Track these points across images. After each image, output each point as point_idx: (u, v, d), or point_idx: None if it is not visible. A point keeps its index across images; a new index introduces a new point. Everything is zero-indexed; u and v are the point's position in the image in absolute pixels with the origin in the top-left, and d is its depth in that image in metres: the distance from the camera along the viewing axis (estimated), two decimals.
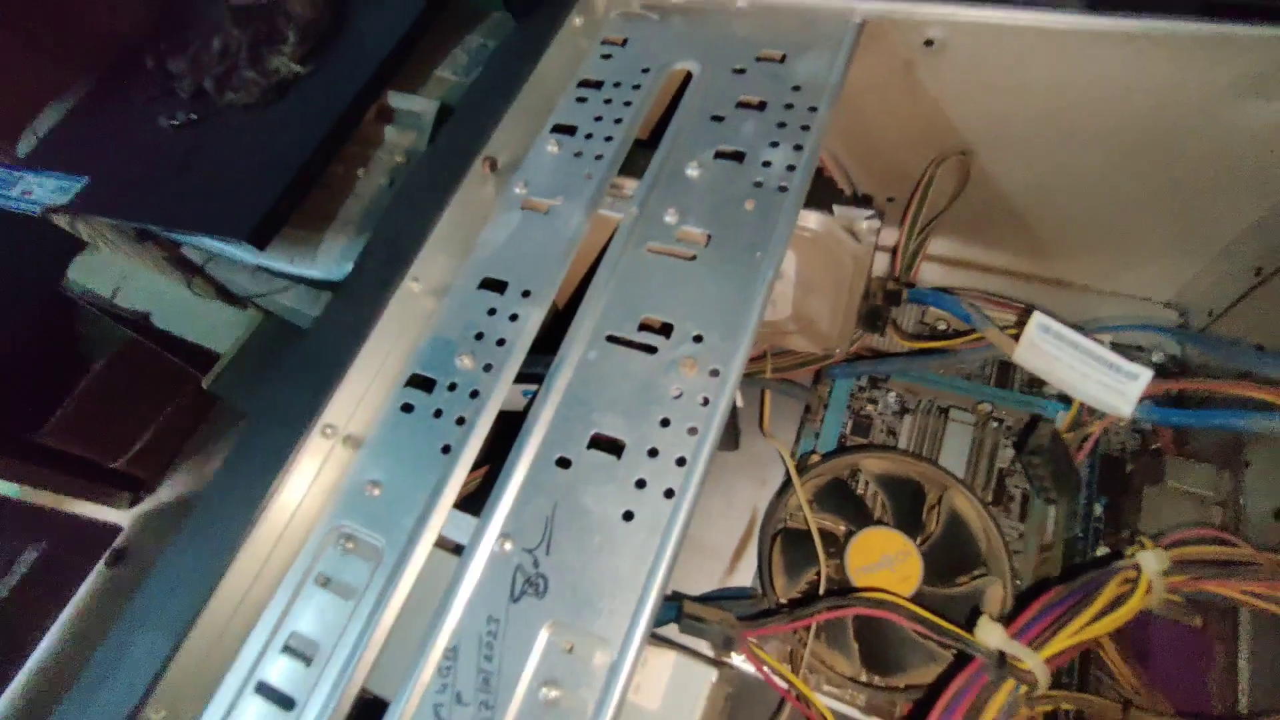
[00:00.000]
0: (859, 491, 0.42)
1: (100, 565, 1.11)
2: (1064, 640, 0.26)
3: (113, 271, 0.85)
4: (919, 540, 0.39)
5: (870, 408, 0.48)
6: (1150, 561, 0.28)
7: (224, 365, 0.81)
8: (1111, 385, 0.33)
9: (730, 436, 0.39)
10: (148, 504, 1.18)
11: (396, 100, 0.59)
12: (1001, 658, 0.26)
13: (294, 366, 0.32)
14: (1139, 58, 0.34)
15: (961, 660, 0.27)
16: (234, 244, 0.55)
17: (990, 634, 0.27)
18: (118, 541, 1.13)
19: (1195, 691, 0.35)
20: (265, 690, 0.26)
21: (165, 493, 1.20)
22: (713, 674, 0.26)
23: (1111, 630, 0.28)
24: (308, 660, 0.26)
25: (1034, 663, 0.26)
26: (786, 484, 0.41)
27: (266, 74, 0.61)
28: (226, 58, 0.62)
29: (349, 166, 0.59)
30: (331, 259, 0.56)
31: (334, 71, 0.60)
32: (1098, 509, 0.42)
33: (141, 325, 0.87)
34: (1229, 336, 0.41)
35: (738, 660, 0.37)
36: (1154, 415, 0.33)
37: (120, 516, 1.16)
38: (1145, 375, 0.32)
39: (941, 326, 0.49)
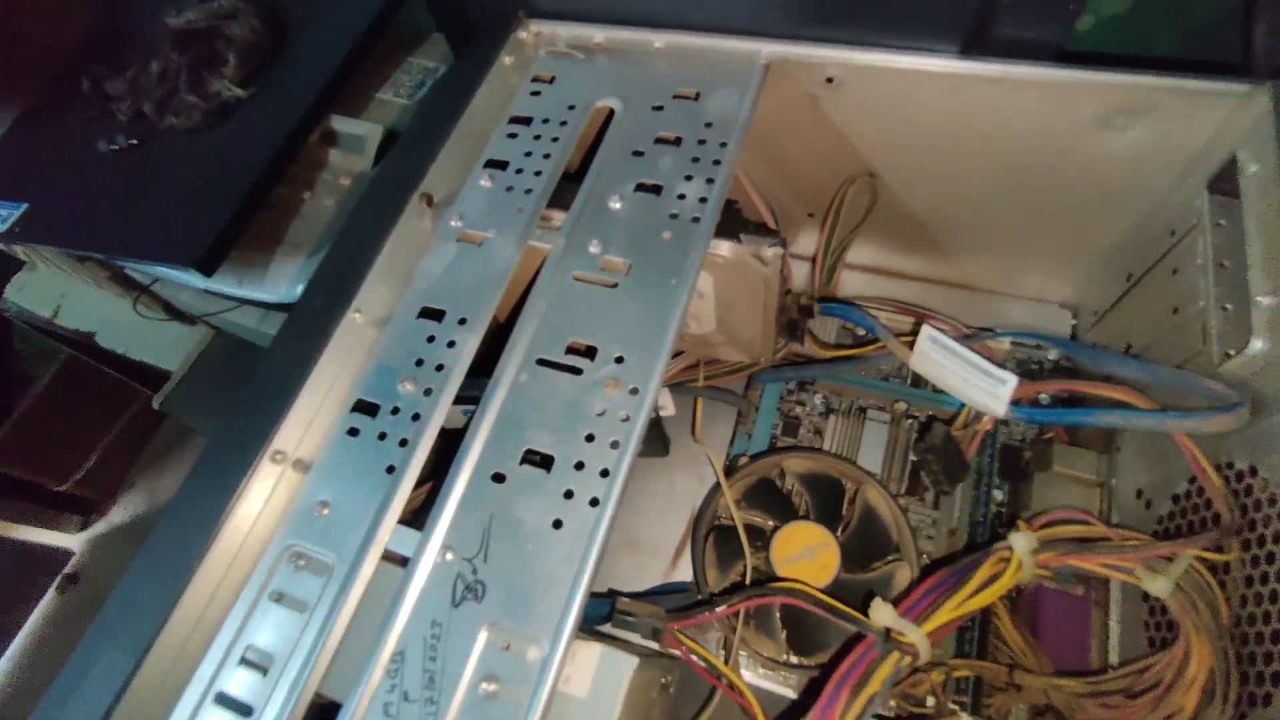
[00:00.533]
0: (784, 489, 0.46)
1: (52, 591, 1.09)
2: (944, 615, 0.30)
3: (52, 290, 0.84)
4: (838, 531, 0.42)
5: (799, 409, 0.52)
6: (1020, 542, 0.33)
7: (175, 384, 0.81)
8: (987, 389, 0.37)
9: (659, 444, 0.43)
10: (99, 526, 1.16)
11: (340, 124, 0.60)
12: (887, 633, 0.30)
13: (245, 395, 0.34)
14: (1010, 96, 0.38)
15: (858, 638, 0.31)
16: (182, 270, 0.55)
17: (880, 613, 0.30)
18: (69, 566, 1.11)
19: (1078, 651, 0.40)
20: (224, 700, 0.28)
21: (116, 514, 1.17)
22: (634, 662, 0.29)
23: (989, 603, 0.32)
24: (264, 670, 0.28)
25: (916, 636, 0.29)
26: (718, 485, 0.44)
27: (207, 97, 0.61)
28: (166, 81, 0.63)
29: (294, 189, 0.61)
30: (281, 281, 0.57)
31: (276, 95, 0.61)
32: (999, 495, 0.46)
33: (85, 345, 0.86)
34: (1099, 342, 0.47)
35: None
36: (1021, 415, 0.38)
37: (71, 540, 1.14)
38: (1012, 381, 0.37)
39: (861, 333, 0.54)
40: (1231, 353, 0.33)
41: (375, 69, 0.65)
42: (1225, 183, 0.37)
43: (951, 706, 0.33)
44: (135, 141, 0.62)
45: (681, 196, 0.36)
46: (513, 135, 0.40)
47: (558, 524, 0.29)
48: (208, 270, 0.53)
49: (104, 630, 0.28)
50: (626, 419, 0.30)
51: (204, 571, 0.29)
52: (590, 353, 0.32)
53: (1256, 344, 0.31)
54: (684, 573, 0.48)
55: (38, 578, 1.09)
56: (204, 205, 0.55)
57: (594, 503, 0.29)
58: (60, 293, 0.84)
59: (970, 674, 0.38)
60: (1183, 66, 0.35)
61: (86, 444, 1.14)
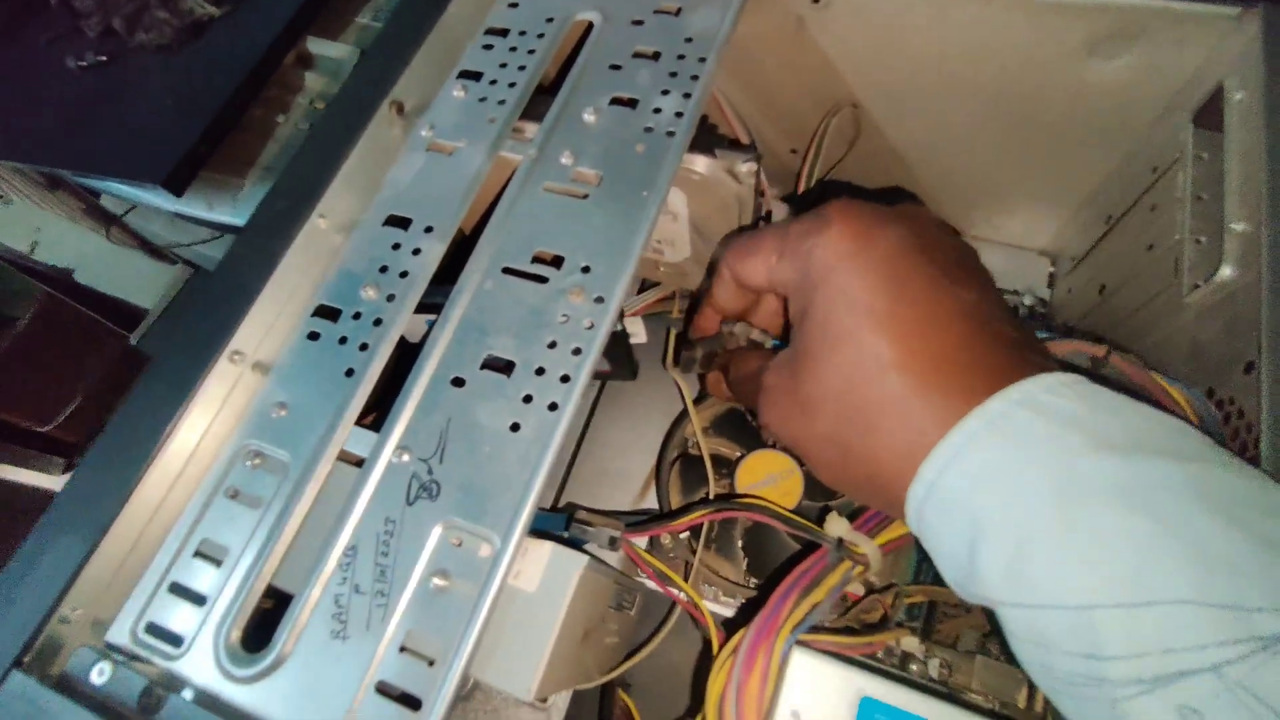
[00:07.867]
0: (751, 421, 0.46)
1: None
2: (897, 529, 0.31)
3: (28, 225, 0.82)
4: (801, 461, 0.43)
5: None
6: None
7: (154, 319, 0.80)
8: None
9: (627, 367, 0.42)
10: None
11: (316, 46, 0.58)
12: (840, 543, 0.30)
13: (204, 296, 0.33)
14: (1001, 17, 0.37)
15: (812, 547, 0.31)
16: (149, 189, 0.54)
17: (835, 525, 0.31)
18: None
19: None
20: (179, 590, 0.28)
21: None
22: (583, 559, 0.30)
23: None
24: (218, 563, 0.28)
25: (868, 547, 0.30)
26: (685, 413, 0.44)
27: (179, 14, 0.59)
28: None
29: (268, 111, 0.59)
30: (253, 205, 0.56)
31: (251, 13, 0.59)
32: None
33: (62, 281, 0.84)
34: (1073, 288, 0.47)
35: (644, 578, 0.41)
36: None
37: (54, 483, 1.13)
38: None
39: None
40: (1200, 283, 0.33)
41: None
42: (1210, 116, 0.36)
43: (899, 619, 0.34)
44: (104, 58, 0.60)
45: (657, 111, 0.35)
46: (488, 47, 0.39)
47: (515, 427, 0.28)
48: (176, 189, 0.51)
49: (59, 516, 0.28)
50: (590, 326, 0.30)
51: (160, 464, 0.29)
52: (557, 262, 0.32)
53: (1226, 271, 0.31)
54: (652, 503, 0.49)
55: (23, 519, 1.09)
56: (173, 123, 0.54)
57: (553, 407, 0.29)
58: (36, 227, 0.83)
59: (924, 599, 0.39)
60: None
61: (68, 386, 1.12)
